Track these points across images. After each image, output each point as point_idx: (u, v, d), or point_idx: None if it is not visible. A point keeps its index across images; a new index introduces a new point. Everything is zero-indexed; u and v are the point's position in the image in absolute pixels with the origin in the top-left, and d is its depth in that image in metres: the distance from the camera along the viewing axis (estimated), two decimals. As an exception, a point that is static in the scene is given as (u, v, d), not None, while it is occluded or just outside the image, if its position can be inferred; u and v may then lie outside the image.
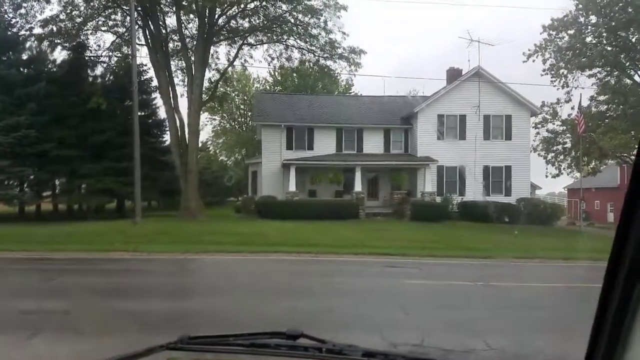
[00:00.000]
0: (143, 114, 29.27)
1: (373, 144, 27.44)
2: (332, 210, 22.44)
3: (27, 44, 26.04)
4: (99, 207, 29.76)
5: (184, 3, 24.31)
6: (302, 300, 7.40)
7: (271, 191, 25.46)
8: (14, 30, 25.16)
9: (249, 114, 45.77)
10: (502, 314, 6.81)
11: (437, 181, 25.84)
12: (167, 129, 27.10)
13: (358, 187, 24.65)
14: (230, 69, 29.67)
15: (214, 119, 51.22)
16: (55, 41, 24.58)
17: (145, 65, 29.69)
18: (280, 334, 1.13)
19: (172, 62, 27.12)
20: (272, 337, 1.13)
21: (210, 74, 28.44)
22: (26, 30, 25.16)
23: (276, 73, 44.22)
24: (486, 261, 12.50)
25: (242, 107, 49.79)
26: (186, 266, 11.79)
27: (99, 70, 28.63)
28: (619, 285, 0.92)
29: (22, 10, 23.88)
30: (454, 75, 27.87)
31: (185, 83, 26.23)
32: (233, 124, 51.56)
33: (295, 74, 39.67)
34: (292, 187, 24.35)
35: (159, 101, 28.58)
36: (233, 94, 45.26)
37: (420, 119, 26.37)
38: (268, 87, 47.45)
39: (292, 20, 25.06)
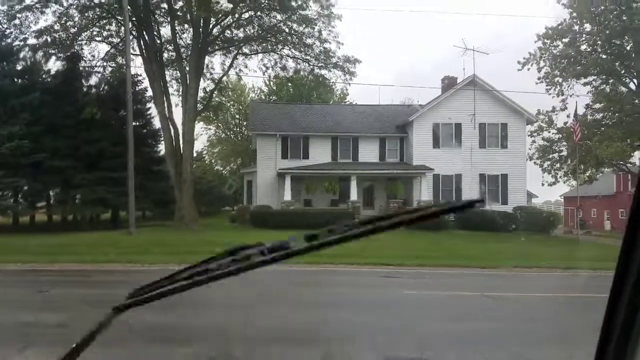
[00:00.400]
0: (137, 123, 29.18)
1: (368, 152, 27.40)
2: (328, 220, 22.16)
3: (22, 55, 25.97)
4: (93, 218, 29.53)
5: (178, 13, 24.38)
6: (294, 312, 7.24)
7: (266, 200, 25.31)
8: (8, 40, 25.09)
9: (244, 123, 45.81)
10: (503, 326, 6.65)
11: (434, 190, 25.80)
12: (162, 138, 26.97)
13: (354, 195, 24.54)
14: (225, 78, 29.72)
15: (209, 129, 51.29)
16: (50, 51, 24.54)
17: (140, 75, 29.71)
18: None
19: (166, 72, 27.10)
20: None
21: (205, 84, 28.44)
22: (20, 41, 25.11)
23: (271, 82, 44.35)
24: (485, 270, 12.36)
25: (237, 116, 49.83)
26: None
27: (93, 80, 28.65)
28: (626, 292, 0.90)
29: (17, 21, 23.78)
30: (449, 83, 27.97)
31: (180, 93, 26.18)
32: (228, 133, 51.54)
33: (290, 84, 39.78)
34: (288, 197, 24.23)
35: (153, 111, 28.58)
36: (228, 104, 45.25)
37: (416, 128, 26.37)
38: (263, 97, 47.55)
39: (287, 30, 25.13)
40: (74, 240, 17.29)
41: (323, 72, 26.26)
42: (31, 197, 26.53)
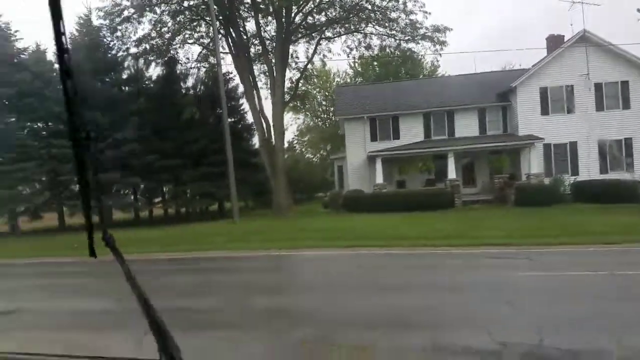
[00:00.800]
0: (233, 120, 30.59)
1: (466, 126, 25.71)
2: (424, 201, 21.41)
3: (126, 64, 28.34)
4: (203, 210, 31.80)
5: (261, 6, 24.82)
6: (400, 296, 6.81)
7: (358, 185, 25.05)
8: (113, 52, 27.54)
9: (331, 109, 45.85)
10: (633, 308, 5.66)
11: (544, 161, 23.53)
12: (255, 132, 27.96)
13: (452, 174, 23.25)
14: (310, 66, 29.88)
15: (298, 118, 52.23)
16: (149, 58, 26.56)
17: (231, 72, 31.09)
18: None
19: (255, 67, 27.92)
20: None
21: (290, 74, 28.82)
22: (123, 51, 27.49)
23: (356, 64, 43.75)
24: (609, 247, 10.84)
25: (324, 103, 50.06)
26: (281, 263, 11.78)
27: (190, 82, 30.41)
28: None
29: (118, 33, 26.09)
30: (555, 42, 25.12)
31: (269, 85, 26.82)
32: (316, 120, 52.07)
33: (375, 63, 38.82)
34: (379, 179, 23.70)
35: (246, 106, 29.64)
36: (314, 91, 45.62)
37: (520, 94, 24.12)
38: (349, 80, 47.10)
39: (369, 7, 24.37)
40: (186, 232, 18.64)
41: (410, 45, 25.13)
42: (148, 195, 29.27)
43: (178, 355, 0.99)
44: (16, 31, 25.81)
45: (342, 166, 27.72)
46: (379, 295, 6.96)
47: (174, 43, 26.73)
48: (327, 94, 48.73)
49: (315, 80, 40.89)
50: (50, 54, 26.10)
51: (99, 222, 0.95)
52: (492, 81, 26.89)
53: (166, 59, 27.42)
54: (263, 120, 25.27)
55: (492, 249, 11.21)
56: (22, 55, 25.49)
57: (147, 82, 29.19)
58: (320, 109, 50.99)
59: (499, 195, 22.79)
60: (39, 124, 25.80)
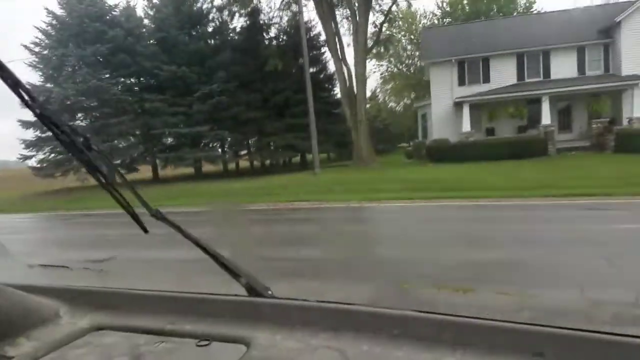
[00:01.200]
0: (315, 70, 30.44)
1: (563, 67, 23.41)
2: (515, 149, 20.21)
3: (210, 16, 28.72)
4: (286, 162, 32.78)
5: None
6: (487, 251, 6.69)
7: (443, 133, 24.15)
8: (198, 5, 28.02)
9: (417, 54, 43.74)
10: None
11: (650, 103, 20.97)
12: (337, 81, 27.69)
13: (546, 119, 21.55)
14: (394, 7, 28.37)
15: (382, 65, 50.54)
16: (233, 9, 26.85)
17: (313, 19, 30.47)
18: None
19: (337, 12, 27.17)
20: None
21: (374, 17, 27.70)
22: (208, 4, 27.87)
23: (444, 3, 40.90)
24: None
25: (409, 47, 47.83)
26: (360, 215, 12.01)
27: (273, 32, 30.33)
28: None
29: (203, -15, 26.47)
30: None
31: (351, 31, 26.11)
32: (401, 67, 50.06)
33: (465, 0, 35.96)
34: (467, 127, 22.67)
35: (329, 55, 29.26)
36: (399, 35, 43.60)
37: (625, 30, 21.35)
38: (436, 22, 44.30)
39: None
40: (268, 183, 19.46)
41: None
42: (234, 147, 30.58)
43: (266, 291, 1.10)
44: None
45: (427, 114, 26.80)
46: (464, 250, 6.89)
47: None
48: (412, 37, 46.40)
49: (400, 23, 38.94)
50: (140, 11, 27.24)
51: (142, 202, 1.01)
52: (593, 16, 24.07)
53: (249, 9, 27.51)
54: (345, 69, 24.88)
55: (587, 199, 10.47)
56: (113, 12, 26.37)
57: (231, 35, 29.49)
58: (405, 54, 48.86)
59: (597, 141, 20.87)
60: (131, 79, 27.00)
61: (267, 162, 32.32)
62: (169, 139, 26.96)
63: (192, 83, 25.30)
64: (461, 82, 24.82)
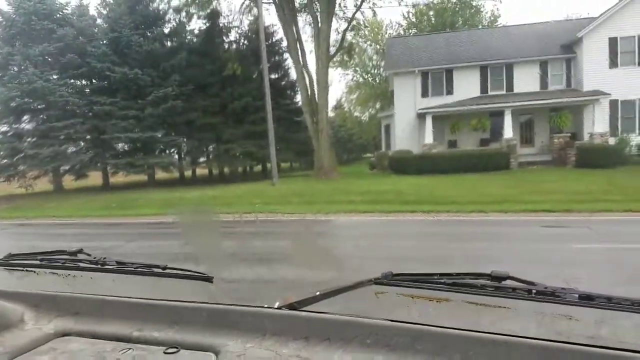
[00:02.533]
0: (276, 76, 29.57)
1: (526, 80, 23.38)
2: (477, 162, 19.86)
3: (167, 17, 27.46)
4: (247, 170, 31.57)
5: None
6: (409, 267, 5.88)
7: (406, 145, 23.68)
8: (154, 5, 26.71)
9: (382, 64, 43.58)
10: None
11: (610, 119, 21.19)
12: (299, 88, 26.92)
13: (508, 132, 21.38)
14: (359, 15, 27.87)
15: (347, 74, 50.19)
16: (191, 11, 25.76)
17: (275, 25, 29.68)
18: (486, 275, 1.13)
19: (299, 17, 26.47)
20: (477, 277, 1.14)
21: (337, 24, 27.11)
22: (165, 4, 26.61)
23: (410, 14, 40.96)
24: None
25: (374, 57, 47.68)
26: (315, 228, 11.11)
27: (232, 35, 29.26)
28: None
29: (160, -16, 25.31)
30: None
31: (313, 38, 25.40)
32: (366, 76, 49.86)
33: (431, 12, 36.04)
34: (429, 139, 22.26)
35: (291, 61, 28.44)
36: (365, 44, 43.34)
37: (586, 45, 21.50)
38: (402, 32, 44.33)
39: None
40: (224, 193, 18.36)
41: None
42: (191, 154, 29.17)
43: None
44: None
45: (390, 125, 26.32)
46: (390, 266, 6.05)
47: (216, -6, 25.69)
48: (378, 47, 46.22)
49: (365, 32, 38.61)
50: (93, 9, 25.83)
51: None
52: (555, 32, 24.24)
53: (208, 11, 26.45)
54: (306, 75, 24.11)
55: (549, 216, 9.98)
56: (64, 11, 24.96)
57: (189, 37, 28.35)
58: (371, 64, 48.66)
59: (559, 155, 20.86)
60: (81, 81, 25.53)
61: (226, 170, 31.14)
62: (120, 144, 25.43)
63: (146, 86, 23.86)
64: (424, 94, 24.50)
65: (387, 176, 20.84)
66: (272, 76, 27.00)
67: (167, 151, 27.54)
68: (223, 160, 28.39)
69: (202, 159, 30.50)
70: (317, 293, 1.10)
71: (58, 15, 24.37)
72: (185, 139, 26.00)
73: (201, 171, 31.58)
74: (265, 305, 1.04)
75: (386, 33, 45.69)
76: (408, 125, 24.52)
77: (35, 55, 22.80)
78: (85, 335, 1.04)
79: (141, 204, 16.69)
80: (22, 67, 23.05)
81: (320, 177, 21.76)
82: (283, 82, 30.46)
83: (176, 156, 28.96)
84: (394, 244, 8.42)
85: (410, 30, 42.68)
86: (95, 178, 26.90)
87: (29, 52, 22.70)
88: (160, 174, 27.99)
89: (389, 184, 17.39)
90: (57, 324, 1.09)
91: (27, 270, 1.35)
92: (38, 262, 1.35)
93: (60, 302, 1.17)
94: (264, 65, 20.55)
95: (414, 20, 42.55)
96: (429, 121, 22.49)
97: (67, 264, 1.34)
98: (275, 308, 1.03)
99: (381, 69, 44.75)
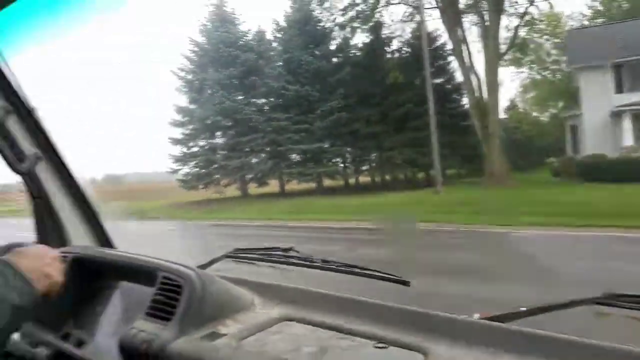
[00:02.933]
0: (441, 80, 28.66)
1: None
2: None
3: (333, 34, 28.98)
4: (409, 177, 31.14)
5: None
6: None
7: (598, 148, 20.39)
8: (321, 24, 28.44)
9: (563, 59, 38.67)
10: None
11: None
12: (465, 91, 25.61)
13: None
14: (533, 10, 25.34)
15: (521, 72, 45.93)
16: (355, 25, 26.68)
17: (439, 29, 28.89)
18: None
19: (464, 19, 25.27)
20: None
21: (508, 21, 25.07)
22: (331, 22, 28.15)
23: (597, 1, 35.65)
24: None
25: (553, 52, 42.62)
26: (488, 242, 10.18)
27: (395, 45, 29.52)
28: None
29: (327, 4, 26.95)
30: None
31: (481, 37, 23.93)
32: (544, 74, 44.89)
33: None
34: (629, 141, 19.05)
35: (456, 64, 27.23)
36: (541, 39, 39.13)
37: None
38: (586, 23, 38.79)
39: None
40: (384, 200, 18.38)
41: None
42: (355, 162, 30.30)
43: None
44: (240, 14, 28.68)
45: (576, 125, 23.15)
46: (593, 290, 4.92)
47: (378, 6, 26.10)
48: (557, 41, 41.28)
49: (541, 26, 34.86)
50: (269, 34, 28.76)
51: None
52: None
53: (371, 24, 27.08)
54: (474, 77, 22.81)
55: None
56: (245, 37, 28.35)
57: (353, 51, 29.40)
58: (550, 60, 43.70)
59: None
60: (261, 100, 28.53)
61: (387, 177, 31.21)
62: (294, 155, 27.80)
63: (315, 101, 25.92)
64: (619, 89, 21.39)
65: (576, 184, 18.22)
66: (436, 81, 26.19)
67: (333, 160, 29.14)
68: (385, 168, 28.88)
69: (364, 167, 31.31)
70: (522, 308, 1.04)
71: (241, 42, 27.96)
72: (349, 149, 27.16)
73: (364, 179, 32.32)
74: (466, 315, 1.03)
75: (566, 25, 40.55)
76: (600, 126, 21.37)
77: (223, 79, 26.46)
78: (305, 322, 1.15)
79: (312, 209, 17.82)
80: (214, 90, 26.92)
81: (492, 185, 20.21)
82: (448, 86, 29.38)
83: (341, 165, 30.36)
84: (596, 264, 7.10)
85: (597, 20, 37.19)
86: (273, 185, 29.91)
87: (219, 77, 26.44)
88: (327, 182, 29.61)
89: (578, 193, 15.12)
90: (280, 310, 1.23)
91: (250, 263, 1.57)
92: (258, 256, 1.57)
93: (281, 291, 1.32)
94: (426, 70, 20.28)
95: (600, 8, 37.01)
96: (627, 120, 19.37)
97: (281, 259, 1.54)
98: (484, 319, 1.01)
99: (562, 64, 39.92)
